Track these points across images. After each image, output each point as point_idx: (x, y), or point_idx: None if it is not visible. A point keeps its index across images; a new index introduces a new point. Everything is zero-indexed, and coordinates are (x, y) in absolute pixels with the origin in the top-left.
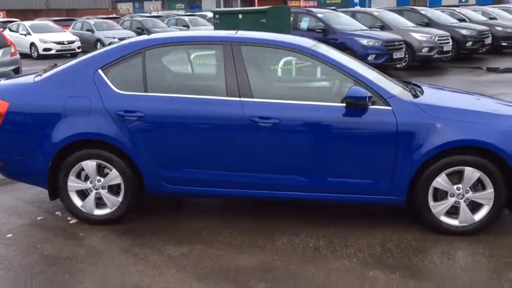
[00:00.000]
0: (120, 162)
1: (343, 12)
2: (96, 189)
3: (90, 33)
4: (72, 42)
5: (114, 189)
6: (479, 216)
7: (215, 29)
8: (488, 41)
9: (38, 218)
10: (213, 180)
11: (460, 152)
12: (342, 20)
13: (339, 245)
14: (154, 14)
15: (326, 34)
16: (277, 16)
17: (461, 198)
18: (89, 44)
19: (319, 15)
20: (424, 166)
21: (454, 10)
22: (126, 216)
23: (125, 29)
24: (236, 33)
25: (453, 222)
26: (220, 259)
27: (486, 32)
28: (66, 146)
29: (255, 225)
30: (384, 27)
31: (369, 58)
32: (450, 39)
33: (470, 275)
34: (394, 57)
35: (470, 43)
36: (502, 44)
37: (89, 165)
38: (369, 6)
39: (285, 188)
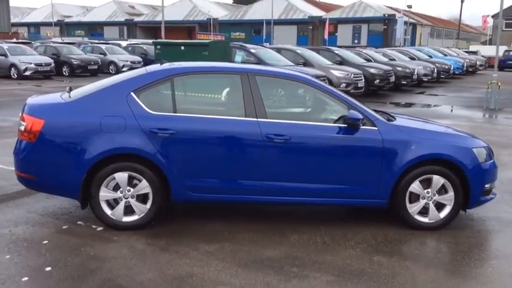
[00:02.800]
0: (150, 174)
1: (270, 48)
2: (126, 198)
3: (3, 57)
4: (49, 64)
5: (141, 198)
6: (443, 214)
7: (156, 58)
8: (392, 79)
9: (64, 227)
10: (232, 188)
11: (429, 163)
12: (271, 56)
13: (341, 239)
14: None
15: None
16: (218, 49)
17: (430, 200)
18: (2, 69)
19: (252, 51)
20: (403, 174)
21: (361, 51)
22: (151, 222)
23: (39, 54)
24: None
25: (424, 219)
26: (251, 253)
27: (390, 72)
28: (101, 160)
29: (267, 226)
30: (306, 63)
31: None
32: (363, 77)
33: (446, 256)
34: None
35: (377, 81)
36: (402, 82)
37: (121, 176)
38: (270, 43)
39: (294, 193)
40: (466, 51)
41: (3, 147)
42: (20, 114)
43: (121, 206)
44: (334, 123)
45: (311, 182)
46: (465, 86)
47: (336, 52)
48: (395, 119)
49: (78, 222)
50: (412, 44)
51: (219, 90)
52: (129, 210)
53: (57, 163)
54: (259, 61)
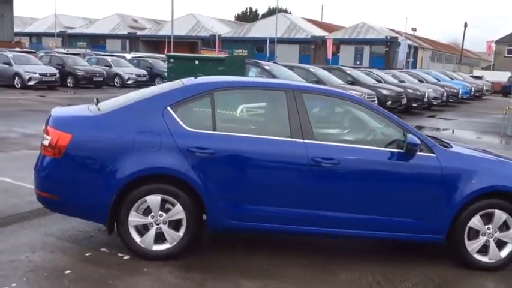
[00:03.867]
0: (185, 197)
1: (283, 65)
2: (158, 224)
3: (7, 66)
4: (54, 74)
5: (173, 224)
6: (505, 253)
7: (168, 72)
8: (404, 101)
9: (87, 255)
10: (276, 216)
11: (492, 196)
12: (285, 73)
13: (395, 279)
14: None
15: None
16: (234, 65)
17: (491, 237)
18: (5, 78)
19: (266, 67)
20: (463, 208)
21: (371, 72)
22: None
23: (44, 64)
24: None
25: (484, 258)
26: None
27: (402, 94)
28: (132, 181)
29: (315, 260)
30: (318, 82)
31: None
32: (375, 98)
33: None
34: None
35: (390, 102)
36: (413, 104)
37: (154, 199)
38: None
39: (341, 225)
40: (471, 76)
41: (12, 160)
42: (44, 127)
43: (152, 233)
44: (384, 147)
45: (360, 212)
46: (474, 111)
47: (348, 72)
48: (451, 145)
49: (102, 249)
50: (414, 67)
51: (262, 107)
52: (159, 238)
53: (84, 183)
54: (274, 78)
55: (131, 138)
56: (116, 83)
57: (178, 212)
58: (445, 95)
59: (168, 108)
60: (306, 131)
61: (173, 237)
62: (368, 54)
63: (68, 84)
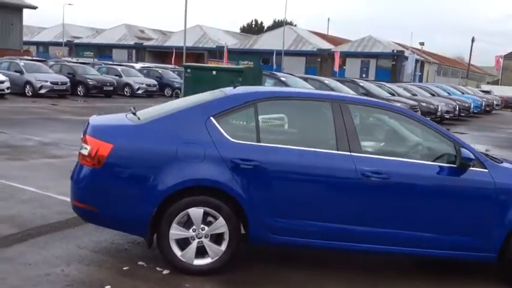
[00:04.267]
0: (228, 211)
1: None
2: (199, 238)
3: (18, 74)
4: (65, 83)
5: (213, 238)
6: None
7: (185, 82)
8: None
9: (124, 269)
10: (320, 232)
11: None
12: (300, 84)
13: None
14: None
15: None
16: (252, 76)
17: None
18: (16, 86)
19: (283, 79)
20: None
21: (384, 85)
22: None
23: (55, 73)
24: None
25: None
26: None
27: (416, 107)
28: (175, 193)
29: (355, 278)
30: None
31: None
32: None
33: None
34: None
35: None
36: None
37: (196, 212)
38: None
39: (390, 242)
40: (480, 91)
41: (32, 169)
42: (82, 136)
43: (193, 247)
44: (432, 161)
45: (409, 229)
46: (486, 125)
47: (361, 84)
48: (501, 161)
49: (139, 263)
50: (420, 81)
51: (307, 118)
52: (201, 252)
53: (124, 194)
54: None
55: (174, 148)
56: (126, 93)
57: (220, 225)
58: (457, 108)
59: (212, 118)
60: (352, 143)
61: (215, 252)
62: (374, 67)
63: (79, 93)
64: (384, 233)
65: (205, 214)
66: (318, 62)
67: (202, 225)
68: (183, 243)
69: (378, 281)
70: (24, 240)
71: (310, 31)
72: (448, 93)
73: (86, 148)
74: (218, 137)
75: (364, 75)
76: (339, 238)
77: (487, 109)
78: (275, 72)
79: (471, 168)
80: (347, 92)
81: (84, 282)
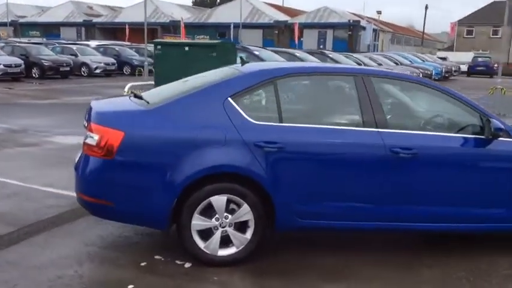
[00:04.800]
0: (253, 197)
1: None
2: (223, 227)
3: None
4: (19, 65)
5: (237, 227)
6: None
7: (156, 60)
8: None
9: (142, 265)
10: (348, 213)
11: None
12: (274, 58)
13: (483, 273)
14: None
15: None
16: (225, 50)
17: None
18: None
19: (256, 53)
20: None
21: (351, 55)
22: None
23: (7, 54)
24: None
25: None
26: None
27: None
28: (196, 181)
29: (390, 258)
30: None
31: None
32: None
33: None
34: None
35: None
36: None
37: (219, 200)
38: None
39: (423, 219)
40: (438, 58)
41: (8, 159)
42: (86, 124)
43: (217, 237)
44: (456, 133)
45: (442, 204)
46: None
47: (330, 56)
48: None
49: (156, 257)
50: (376, 50)
51: (329, 94)
52: (225, 242)
53: (141, 186)
54: None
55: (192, 134)
56: (83, 73)
57: (245, 212)
58: (421, 76)
59: (229, 99)
60: (379, 118)
61: (240, 241)
62: (331, 38)
63: (34, 75)
64: (417, 211)
65: (228, 202)
66: (275, 34)
67: (225, 214)
68: (206, 233)
69: (410, 260)
70: (23, 240)
71: (266, 3)
72: (410, 61)
73: (92, 137)
74: (238, 120)
75: (321, 46)
76: (369, 218)
77: (446, 75)
78: (248, 46)
79: (500, 139)
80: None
81: (102, 283)
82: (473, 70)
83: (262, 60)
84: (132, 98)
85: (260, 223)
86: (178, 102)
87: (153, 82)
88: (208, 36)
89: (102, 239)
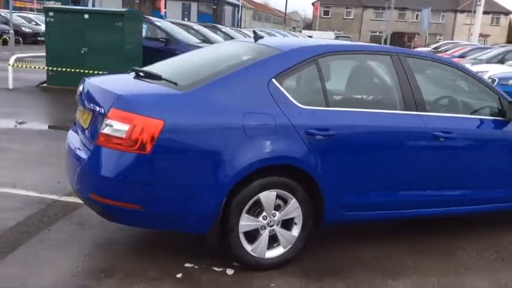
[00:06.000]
0: (302, 191)
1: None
2: (271, 226)
3: None
4: None
5: (282, 224)
6: None
7: (48, 29)
8: None
9: (178, 276)
10: (393, 202)
11: None
12: (176, 30)
13: None
14: None
15: (167, 44)
16: (133, 20)
17: None
18: None
19: (158, 23)
20: None
21: (241, 30)
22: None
23: None
24: None
25: None
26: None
27: None
28: (247, 176)
29: (430, 246)
30: (205, 41)
31: None
32: None
33: None
34: None
35: None
36: None
37: (269, 196)
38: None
39: (460, 203)
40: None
41: None
42: (101, 109)
43: (265, 238)
44: (477, 114)
45: (476, 187)
46: None
47: (223, 30)
48: None
49: (187, 265)
50: (240, 25)
51: (373, 76)
52: (271, 242)
53: (182, 184)
54: (170, 37)
55: (239, 122)
56: None
57: (293, 208)
58: None
59: (273, 80)
60: (418, 101)
61: (288, 240)
62: (196, 11)
63: None
64: (451, 195)
65: (276, 197)
66: (136, 3)
67: (273, 211)
68: (251, 234)
69: (444, 246)
70: (3, 258)
71: None
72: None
73: (114, 126)
74: (285, 104)
75: (186, 19)
76: (410, 206)
77: None
78: (149, 17)
79: None
80: (216, 38)
81: None
82: None
83: (167, 33)
84: (148, 79)
85: (309, 219)
86: (218, 84)
87: (43, 54)
88: (60, 3)
89: (114, 251)
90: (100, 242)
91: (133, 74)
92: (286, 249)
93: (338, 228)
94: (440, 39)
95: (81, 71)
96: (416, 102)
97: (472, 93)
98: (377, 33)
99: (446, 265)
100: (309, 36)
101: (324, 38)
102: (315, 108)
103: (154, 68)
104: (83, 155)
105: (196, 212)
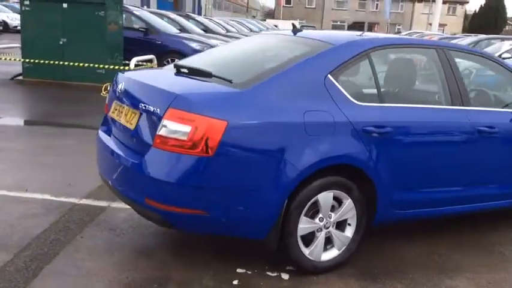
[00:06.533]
0: (357, 191)
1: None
2: (327, 228)
3: None
4: None
5: (337, 225)
6: None
7: (24, 19)
8: None
9: (235, 283)
10: (440, 199)
11: None
12: (158, 21)
13: None
14: None
15: (147, 34)
16: (114, 10)
17: None
18: None
19: (136, 13)
20: None
21: (195, 16)
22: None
23: None
24: None
25: None
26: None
27: None
28: (308, 177)
29: (460, 239)
30: (182, 30)
31: None
32: None
33: None
34: None
35: None
36: None
37: (327, 197)
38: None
39: (498, 197)
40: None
41: None
42: (157, 110)
43: (321, 240)
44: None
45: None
46: None
47: (198, 20)
48: None
49: (239, 271)
50: (200, 13)
51: (416, 70)
52: (326, 244)
53: (245, 187)
54: (150, 27)
55: (301, 120)
56: None
57: (349, 209)
58: None
59: (329, 76)
60: (464, 95)
61: (342, 241)
62: None
63: None
64: (493, 189)
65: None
66: None
67: (329, 213)
68: (306, 237)
69: (480, 241)
70: (39, 272)
71: None
72: (260, 29)
73: (173, 128)
74: (342, 101)
75: (145, 6)
76: (456, 202)
77: None
78: (128, 6)
79: None
80: (193, 28)
81: None
82: None
83: (147, 22)
84: (200, 78)
85: (363, 220)
86: (276, 80)
87: (18, 45)
88: None
89: (148, 256)
90: (139, 249)
91: (172, 69)
92: (340, 251)
93: (385, 227)
94: (399, 28)
95: (60, 62)
96: (462, 97)
97: (504, 86)
98: (338, 23)
99: (489, 261)
100: (275, 26)
101: (286, 26)
102: (370, 104)
103: (193, 62)
104: (131, 157)
105: (258, 216)
